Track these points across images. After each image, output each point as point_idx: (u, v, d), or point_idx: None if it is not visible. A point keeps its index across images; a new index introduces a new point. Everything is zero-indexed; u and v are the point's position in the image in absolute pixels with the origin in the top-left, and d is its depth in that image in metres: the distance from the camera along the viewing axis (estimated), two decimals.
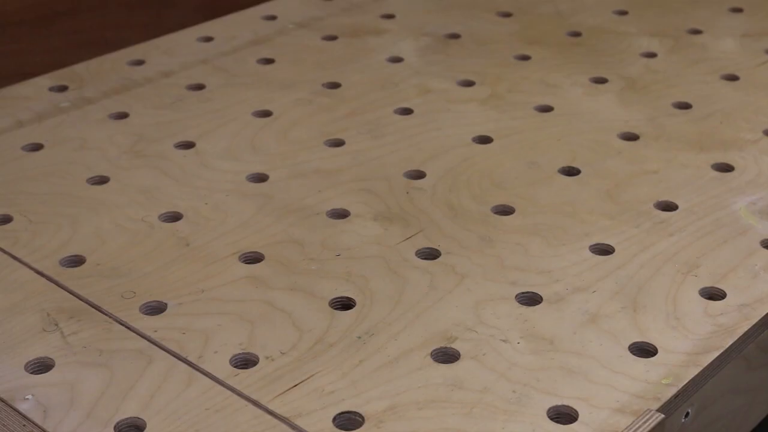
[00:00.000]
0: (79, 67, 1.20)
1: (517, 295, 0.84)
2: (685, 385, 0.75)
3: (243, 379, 0.75)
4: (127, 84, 1.16)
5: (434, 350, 0.78)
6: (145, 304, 0.82)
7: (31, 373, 0.76)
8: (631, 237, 0.91)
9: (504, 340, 0.79)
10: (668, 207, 0.95)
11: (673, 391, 0.74)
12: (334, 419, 0.72)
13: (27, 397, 0.73)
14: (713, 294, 0.84)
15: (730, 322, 0.81)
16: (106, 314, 0.81)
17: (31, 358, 0.77)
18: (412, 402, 0.73)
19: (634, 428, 0.71)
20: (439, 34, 1.29)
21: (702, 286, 0.85)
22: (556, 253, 0.88)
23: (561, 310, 0.82)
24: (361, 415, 0.72)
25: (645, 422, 0.71)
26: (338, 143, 1.05)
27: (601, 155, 1.03)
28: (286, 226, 0.92)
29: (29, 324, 0.80)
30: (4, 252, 0.89)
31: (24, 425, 0.71)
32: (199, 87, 1.16)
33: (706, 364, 0.77)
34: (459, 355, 0.77)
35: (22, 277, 0.86)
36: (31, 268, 0.87)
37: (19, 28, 1.52)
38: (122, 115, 1.10)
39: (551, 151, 1.04)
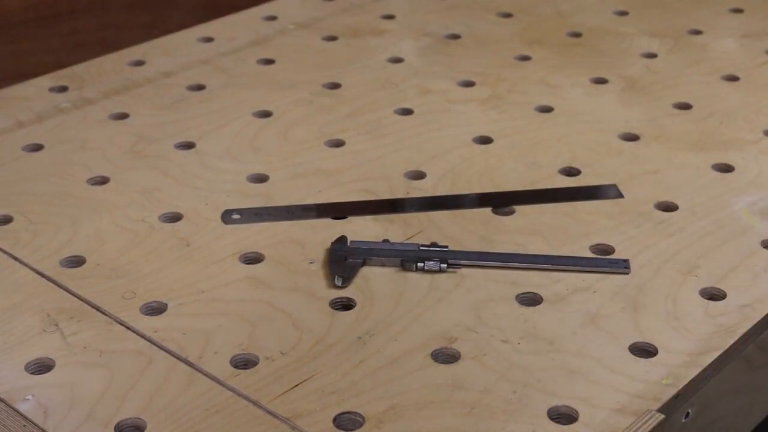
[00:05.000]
0: (79, 67, 1.20)
1: (517, 296, 0.84)
2: (685, 385, 0.75)
3: (243, 379, 0.75)
4: (127, 84, 1.16)
5: (434, 350, 0.78)
6: (145, 304, 0.82)
7: (32, 373, 0.76)
8: (631, 237, 0.91)
9: (504, 341, 0.79)
10: (668, 207, 0.95)
11: (673, 391, 0.74)
12: (335, 419, 0.72)
13: (27, 397, 0.73)
14: (714, 294, 0.84)
15: (730, 322, 0.81)
16: (106, 314, 0.81)
17: (31, 359, 0.77)
18: (412, 402, 0.73)
19: (635, 429, 0.71)
20: (439, 34, 1.29)
21: (702, 287, 0.85)
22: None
23: (561, 311, 0.82)
24: (361, 416, 0.72)
25: (645, 422, 0.71)
26: (338, 143, 1.05)
27: (601, 155, 1.03)
28: (286, 227, 0.92)
29: (29, 324, 0.80)
30: (5, 252, 0.89)
31: (24, 426, 0.71)
32: (199, 87, 1.16)
33: (706, 365, 0.77)
34: (459, 355, 0.77)
35: (22, 277, 0.86)
36: (32, 269, 0.87)
37: (19, 29, 1.52)
38: (122, 116, 1.10)
39: (551, 151, 1.04)
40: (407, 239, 0.90)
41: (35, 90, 1.15)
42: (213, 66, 1.21)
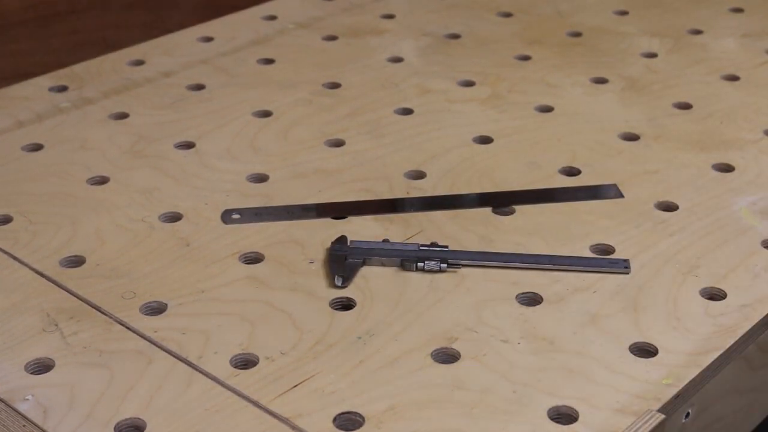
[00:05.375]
0: (79, 67, 1.20)
1: (517, 296, 0.84)
2: (685, 385, 0.75)
3: (243, 379, 0.75)
4: (127, 84, 1.16)
5: (435, 350, 0.78)
6: (145, 304, 0.82)
7: (31, 373, 0.76)
8: (632, 237, 0.91)
9: (504, 341, 0.79)
10: (669, 207, 0.95)
11: (673, 391, 0.74)
12: (335, 419, 0.72)
13: (27, 397, 0.73)
14: (714, 294, 0.84)
15: (730, 322, 0.81)
16: (106, 314, 0.81)
17: (31, 359, 0.77)
18: (412, 402, 0.73)
19: (635, 429, 0.70)
20: (439, 34, 1.29)
21: (702, 287, 0.85)
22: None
23: (561, 311, 0.82)
24: (361, 416, 0.72)
25: (645, 422, 0.71)
26: (338, 143, 1.05)
27: (601, 155, 1.03)
28: (286, 226, 0.92)
29: (29, 324, 0.80)
30: (4, 252, 0.89)
31: (24, 426, 0.71)
32: (199, 87, 1.16)
33: (706, 365, 0.77)
34: (459, 355, 0.77)
35: (22, 277, 0.86)
36: (31, 269, 0.87)
37: (19, 28, 1.52)
38: (122, 115, 1.10)
39: (551, 151, 1.04)
40: (407, 239, 0.90)
41: (35, 90, 1.15)
42: (213, 66, 1.21)
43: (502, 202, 0.95)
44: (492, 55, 1.24)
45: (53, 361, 0.76)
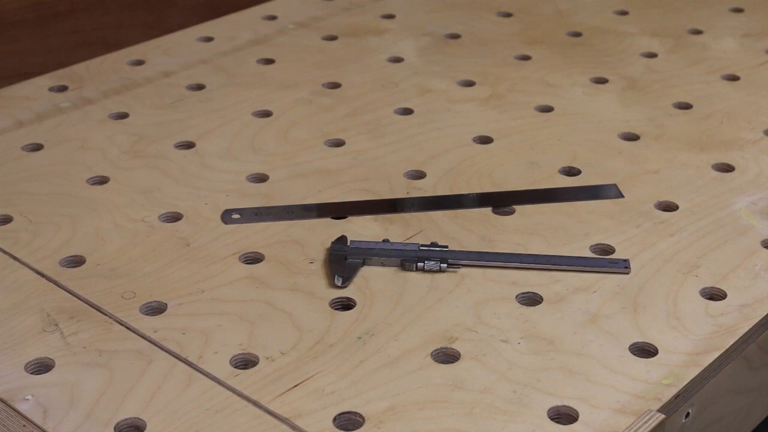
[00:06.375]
0: (79, 67, 1.20)
1: (517, 296, 0.84)
2: (685, 385, 0.75)
3: (243, 379, 0.75)
4: (127, 84, 1.16)
5: (434, 350, 0.78)
6: (145, 304, 0.82)
7: (31, 373, 0.76)
8: (632, 237, 0.91)
9: (504, 341, 0.79)
10: (669, 207, 0.95)
11: (673, 391, 0.74)
12: (335, 419, 0.72)
13: (27, 397, 0.73)
14: (714, 294, 0.84)
15: (730, 322, 0.81)
16: (106, 314, 0.81)
17: (31, 359, 0.77)
18: (412, 402, 0.73)
19: (635, 428, 0.70)
20: (439, 34, 1.29)
21: (702, 287, 0.85)
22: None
23: (561, 311, 0.82)
24: (361, 416, 0.72)
25: (645, 422, 0.71)
26: (338, 143, 1.05)
27: (601, 155, 1.03)
28: (286, 226, 0.92)
29: (29, 324, 0.80)
30: (4, 252, 0.89)
31: (24, 426, 0.71)
32: (199, 87, 1.16)
33: (706, 365, 0.77)
34: (459, 355, 0.77)
35: (22, 277, 0.86)
36: (31, 268, 0.87)
37: (19, 28, 1.52)
38: (122, 115, 1.10)
39: (551, 151, 1.04)
40: (407, 239, 0.90)
41: (35, 90, 1.15)
42: (213, 66, 1.21)
43: (502, 202, 0.95)
44: (492, 55, 1.24)
45: (53, 361, 0.76)
